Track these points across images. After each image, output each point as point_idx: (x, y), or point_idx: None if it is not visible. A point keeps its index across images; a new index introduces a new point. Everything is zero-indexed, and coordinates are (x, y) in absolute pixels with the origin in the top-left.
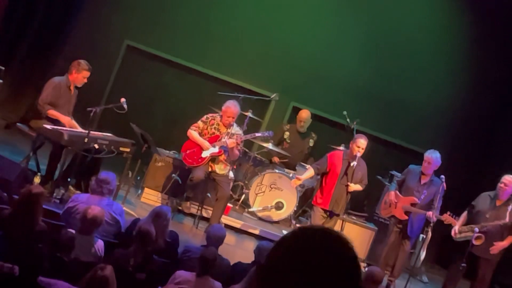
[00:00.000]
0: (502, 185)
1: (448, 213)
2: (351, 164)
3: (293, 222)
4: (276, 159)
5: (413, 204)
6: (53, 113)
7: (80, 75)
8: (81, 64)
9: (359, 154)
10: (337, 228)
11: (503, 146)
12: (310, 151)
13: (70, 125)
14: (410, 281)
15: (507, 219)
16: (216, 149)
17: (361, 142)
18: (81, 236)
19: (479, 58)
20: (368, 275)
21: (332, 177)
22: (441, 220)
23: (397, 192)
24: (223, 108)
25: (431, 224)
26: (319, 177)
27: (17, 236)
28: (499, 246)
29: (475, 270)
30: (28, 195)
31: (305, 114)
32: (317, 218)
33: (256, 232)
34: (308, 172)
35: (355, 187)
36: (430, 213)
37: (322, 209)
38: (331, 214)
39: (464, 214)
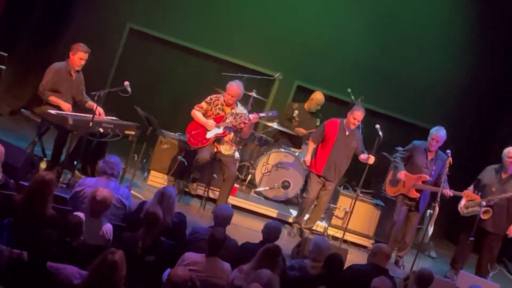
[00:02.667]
0: (511, 159)
1: (469, 188)
2: (346, 133)
3: (300, 201)
4: (300, 130)
5: (424, 181)
6: (53, 99)
7: (76, 56)
8: (76, 46)
9: (352, 126)
10: (343, 203)
11: (509, 119)
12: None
13: (70, 110)
14: (418, 256)
15: None
16: (220, 130)
17: (358, 115)
18: (90, 219)
19: (484, 31)
20: (376, 251)
21: (327, 144)
22: (460, 196)
23: (406, 172)
24: (227, 86)
25: (438, 199)
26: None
27: (29, 223)
28: None
29: (483, 244)
30: (40, 182)
31: (321, 96)
32: (313, 183)
33: (264, 211)
34: (310, 147)
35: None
36: (447, 191)
37: (316, 174)
38: (325, 179)
39: (471, 188)
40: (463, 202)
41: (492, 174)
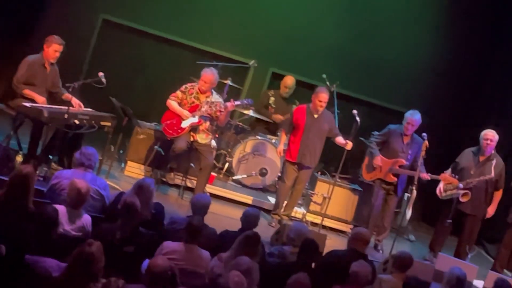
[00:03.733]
0: (488, 141)
1: (445, 172)
2: (315, 117)
3: (277, 188)
4: (278, 117)
5: (400, 166)
6: (28, 92)
7: (50, 48)
8: (51, 38)
9: (320, 109)
10: (321, 189)
11: (483, 102)
12: None
13: (44, 103)
14: (397, 240)
15: (492, 174)
16: (195, 119)
17: (323, 97)
18: (69, 211)
19: (458, 14)
20: (356, 235)
21: (298, 131)
22: (438, 180)
23: (382, 156)
24: (201, 74)
25: (416, 183)
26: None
27: (11, 217)
28: (492, 208)
29: (462, 226)
30: (20, 176)
31: (290, 80)
32: (288, 172)
33: (242, 199)
34: (282, 137)
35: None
36: (424, 175)
37: (291, 162)
38: (300, 167)
39: (448, 171)
40: (441, 185)
41: (470, 157)
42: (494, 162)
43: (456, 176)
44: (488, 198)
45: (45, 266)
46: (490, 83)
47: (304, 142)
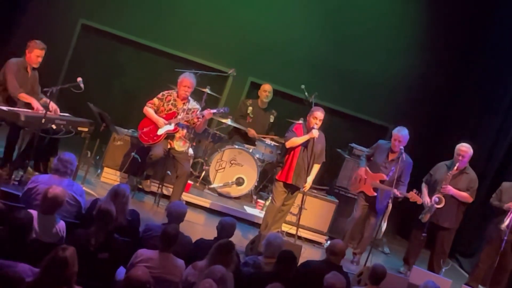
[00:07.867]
0: (461, 155)
1: (414, 190)
2: (314, 136)
3: (254, 197)
4: (253, 133)
5: (381, 181)
6: (24, 96)
7: (32, 54)
8: (32, 43)
9: (316, 127)
10: (298, 200)
11: (459, 116)
12: (270, 126)
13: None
14: (372, 252)
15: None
16: (171, 127)
17: (318, 114)
18: (43, 216)
19: (435, 27)
20: (332, 247)
21: (295, 151)
22: (407, 198)
23: (367, 168)
24: (178, 80)
25: (391, 197)
26: (279, 151)
27: None
28: (451, 190)
29: (434, 239)
30: None
31: (268, 86)
32: (279, 193)
33: (218, 208)
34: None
35: (309, 182)
36: (394, 190)
37: (284, 183)
38: (293, 189)
39: (425, 188)
40: (426, 199)
41: (443, 170)
42: (468, 176)
43: (419, 193)
44: (460, 211)
45: (17, 271)
46: (466, 97)
47: (300, 163)
